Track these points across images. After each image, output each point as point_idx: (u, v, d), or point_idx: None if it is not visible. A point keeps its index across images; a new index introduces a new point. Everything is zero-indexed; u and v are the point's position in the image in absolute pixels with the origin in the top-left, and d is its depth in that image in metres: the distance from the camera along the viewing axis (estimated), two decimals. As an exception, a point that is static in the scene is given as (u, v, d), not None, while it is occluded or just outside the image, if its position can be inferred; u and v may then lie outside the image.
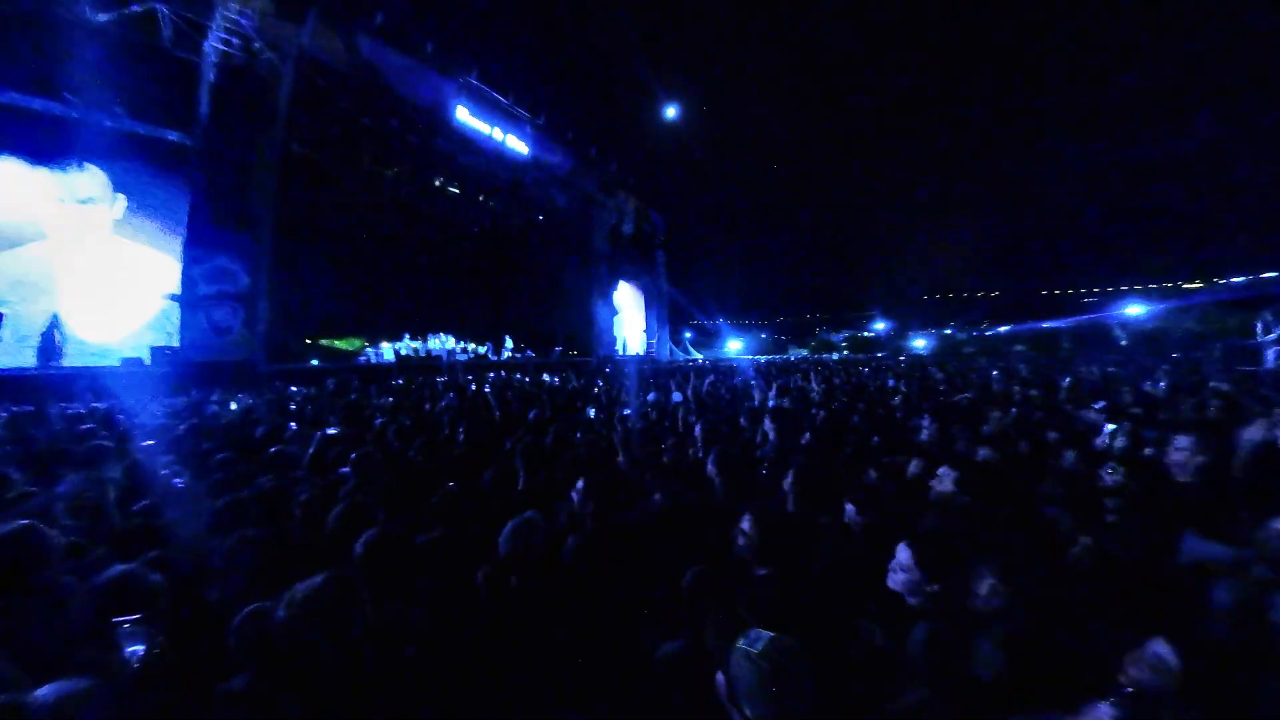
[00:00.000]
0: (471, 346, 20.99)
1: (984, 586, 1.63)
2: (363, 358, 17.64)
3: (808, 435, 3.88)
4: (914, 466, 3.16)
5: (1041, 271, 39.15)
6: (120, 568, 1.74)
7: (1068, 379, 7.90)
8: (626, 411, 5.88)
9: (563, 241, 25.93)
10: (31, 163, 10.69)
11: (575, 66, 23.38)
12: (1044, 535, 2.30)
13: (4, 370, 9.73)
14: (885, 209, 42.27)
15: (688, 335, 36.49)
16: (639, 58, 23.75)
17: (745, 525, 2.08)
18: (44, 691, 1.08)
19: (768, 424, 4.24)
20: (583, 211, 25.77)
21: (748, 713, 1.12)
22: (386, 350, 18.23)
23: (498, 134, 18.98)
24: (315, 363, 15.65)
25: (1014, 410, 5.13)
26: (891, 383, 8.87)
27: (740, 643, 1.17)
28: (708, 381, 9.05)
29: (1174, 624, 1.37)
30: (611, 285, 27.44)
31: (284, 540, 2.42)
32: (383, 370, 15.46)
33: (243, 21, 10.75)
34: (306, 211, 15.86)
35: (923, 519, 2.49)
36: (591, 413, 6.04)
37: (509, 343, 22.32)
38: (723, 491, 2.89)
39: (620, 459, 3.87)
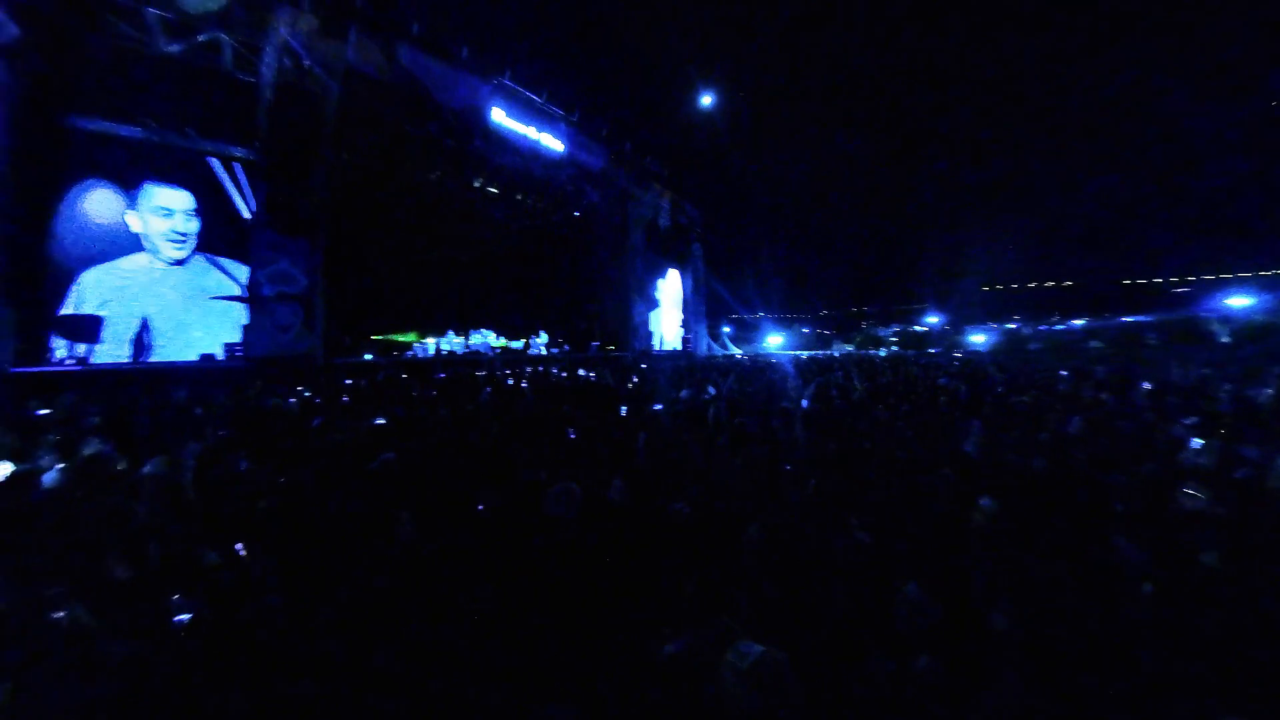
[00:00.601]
0: (507, 342, 21.94)
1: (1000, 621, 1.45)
2: (410, 352, 18.82)
3: (832, 445, 3.68)
4: (951, 478, 2.88)
5: (1123, 258, 34.42)
6: (180, 545, 2.05)
7: (1148, 383, 7.08)
8: (657, 408, 5.92)
9: (598, 237, 26.21)
10: (124, 185, 12.18)
11: (608, 60, 23.58)
12: (1103, 568, 1.97)
13: (105, 365, 11.24)
14: (939, 191, 39.32)
15: (726, 330, 35.91)
16: (671, 46, 23.64)
17: (752, 532, 2.06)
18: (116, 645, 1.32)
19: (799, 429, 4.13)
20: (618, 206, 26.02)
21: None
22: (432, 345, 19.42)
23: (533, 133, 19.55)
24: (368, 357, 16.91)
25: (1075, 418, 4.52)
26: (944, 381, 8.36)
27: (729, 656, 1.14)
28: (731, 379, 8.83)
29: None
30: (648, 279, 27.46)
31: (329, 524, 2.66)
32: (428, 364, 16.44)
33: (293, 42, 11.74)
34: (357, 216, 17.04)
35: (951, 546, 2.23)
36: (624, 409, 6.11)
37: (543, 337, 23.06)
38: (745, 495, 2.83)
39: (641, 458, 3.82)
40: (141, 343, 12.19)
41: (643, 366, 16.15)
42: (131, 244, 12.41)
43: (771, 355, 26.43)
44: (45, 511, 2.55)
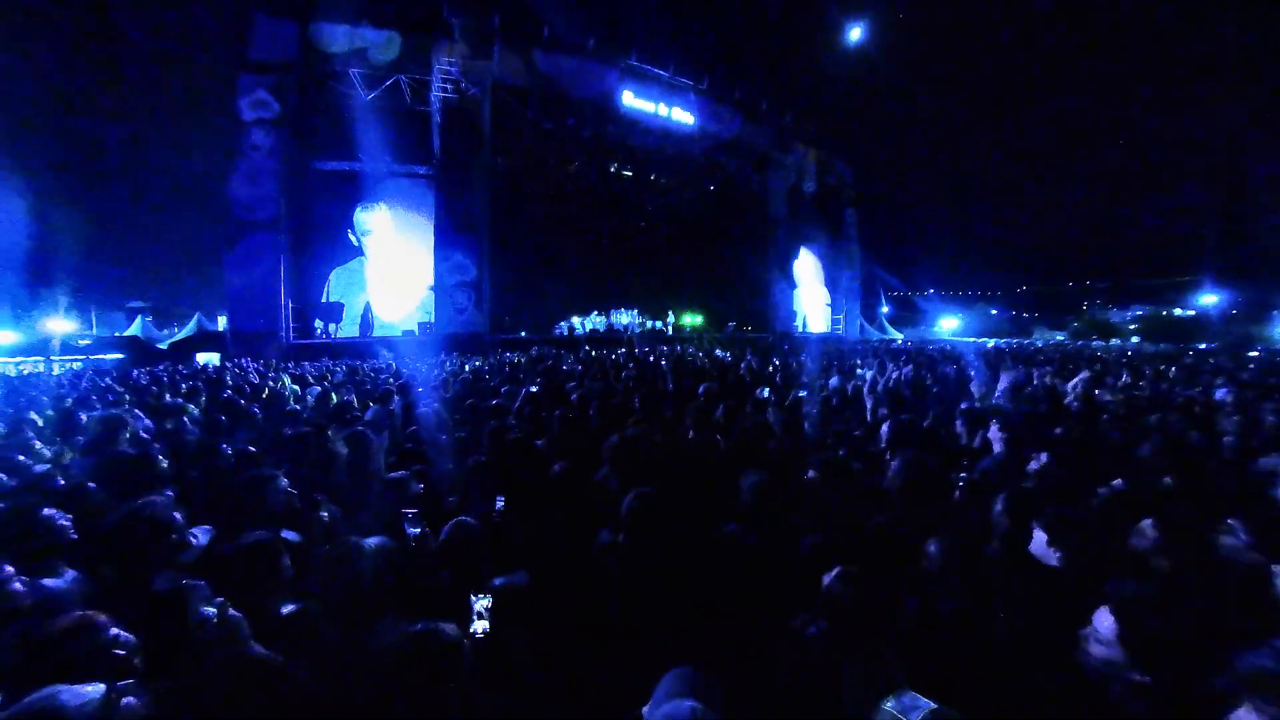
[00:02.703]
0: (647, 321, 23.25)
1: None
2: (558, 330, 21.38)
3: (1044, 458, 2.89)
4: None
5: None
6: (399, 474, 2.80)
7: None
8: (801, 394, 5.57)
9: (735, 210, 25.57)
10: (351, 206, 16.53)
11: (737, 11, 22.45)
12: None
13: (344, 339, 15.51)
14: (1215, 98, 26.33)
15: (884, 310, 31.46)
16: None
17: (932, 549, 1.82)
18: (370, 540, 1.75)
19: (994, 432, 3.37)
20: (756, 175, 25.10)
21: None
22: (578, 323, 21.75)
23: (663, 109, 20.16)
24: (523, 334, 19.79)
25: None
26: (1223, 393, 5.77)
27: (890, 705, 1.01)
28: (905, 370, 7.63)
29: None
30: (790, 254, 26.01)
31: (498, 466, 3.21)
32: (574, 341, 18.65)
33: (451, 69, 14.40)
34: (511, 211, 19.82)
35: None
36: (765, 392, 5.91)
37: (671, 317, 23.69)
38: (902, 510, 2.44)
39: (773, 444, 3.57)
40: (366, 321, 16.34)
41: (785, 348, 15.34)
42: (358, 248, 16.62)
43: (944, 342, 21.62)
44: (308, 438, 3.56)
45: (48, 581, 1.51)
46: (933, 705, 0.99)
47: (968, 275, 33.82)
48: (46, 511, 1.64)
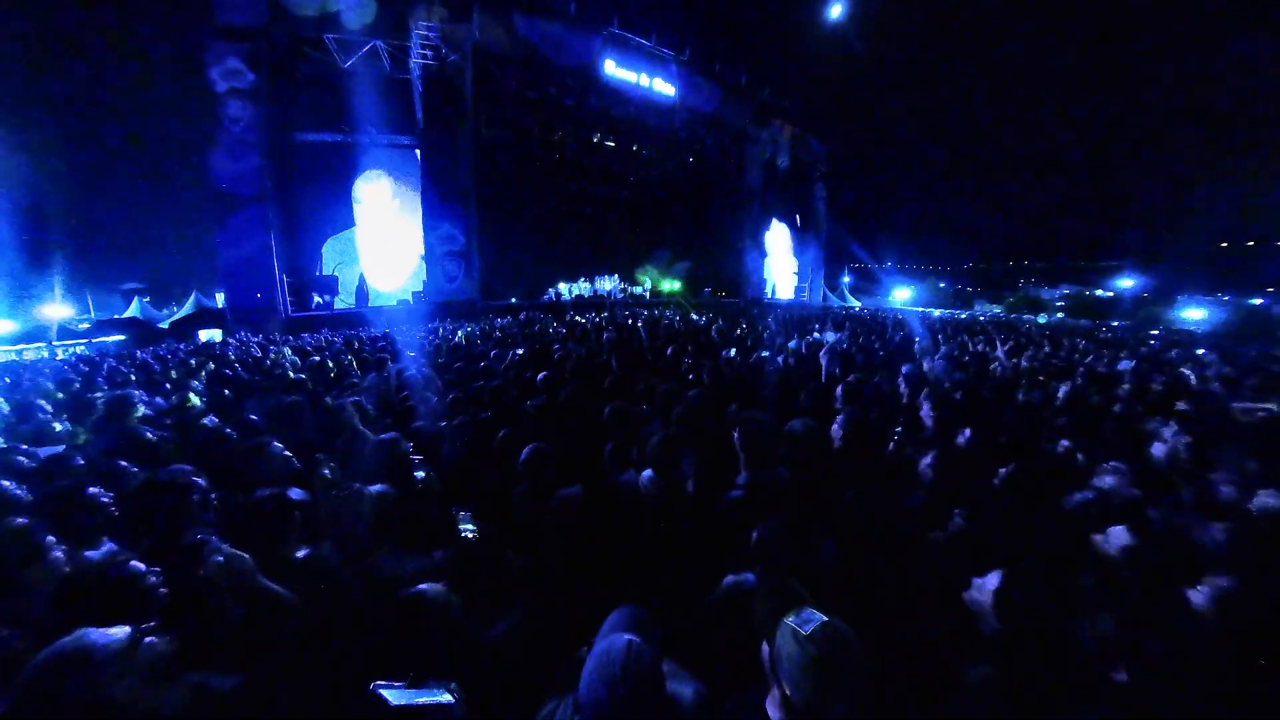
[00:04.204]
0: (628, 287, 23.16)
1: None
2: (545, 296, 21.17)
3: (968, 433, 2.88)
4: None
5: None
6: (389, 435, 2.73)
7: None
8: (764, 354, 5.76)
9: (712, 181, 25.15)
10: (338, 177, 15.70)
11: None
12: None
13: (341, 310, 15.05)
14: (1147, 108, 27.86)
15: (846, 280, 31.96)
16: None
17: (849, 495, 1.93)
18: (372, 487, 1.87)
19: (926, 410, 3.41)
20: (733, 148, 24.51)
21: (786, 691, 1.01)
22: (564, 289, 21.54)
23: (644, 80, 19.29)
24: (513, 300, 19.56)
25: None
26: (1125, 364, 5.95)
27: (790, 619, 1.05)
28: (845, 335, 7.82)
29: None
30: (763, 224, 25.80)
31: (487, 423, 3.31)
32: (561, 306, 18.53)
33: (430, 35, 13.37)
34: (498, 180, 19.12)
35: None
36: (733, 352, 5.99)
37: (647, 283, 23.64)
38: (844, 460, 2.50)
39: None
40: (361, 292, 15.93)
41: (754, 313, 15.62)
42: (350, 220, 15.99)
43: (897, 311, 22.32)
44: (300, 407, 3.63)
45: (89, 553, 1.59)
46: (826, 619, 1.03)
47: (922, 251, 34.62)
48: (90, 490, 1.69)
